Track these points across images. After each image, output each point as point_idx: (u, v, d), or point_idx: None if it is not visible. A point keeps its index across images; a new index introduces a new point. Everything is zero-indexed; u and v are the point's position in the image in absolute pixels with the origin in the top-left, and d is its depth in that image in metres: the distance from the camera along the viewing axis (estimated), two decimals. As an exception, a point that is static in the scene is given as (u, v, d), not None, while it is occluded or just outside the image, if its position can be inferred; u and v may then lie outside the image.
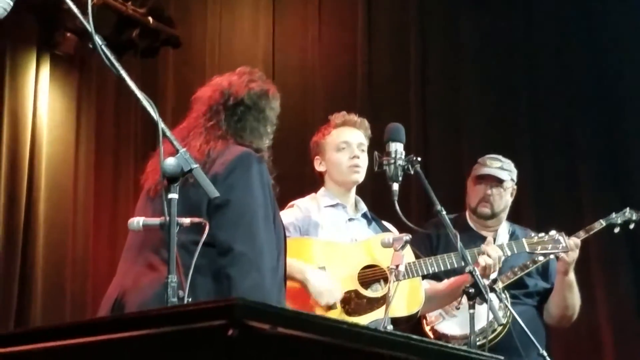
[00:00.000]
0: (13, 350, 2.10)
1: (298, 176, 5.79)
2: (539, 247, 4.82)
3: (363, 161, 4.66)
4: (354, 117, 4.78)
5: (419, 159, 4.16)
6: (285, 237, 3.71)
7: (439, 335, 4.93)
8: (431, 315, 4.99)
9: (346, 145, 4.67)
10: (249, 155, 3.57)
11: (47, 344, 2.03)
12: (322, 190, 4.75)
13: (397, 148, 4.13)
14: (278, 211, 3.68)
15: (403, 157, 4.12)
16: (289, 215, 4.56)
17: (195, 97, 3.86)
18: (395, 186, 4.10)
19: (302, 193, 4.81)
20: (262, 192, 3.52)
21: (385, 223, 4.75)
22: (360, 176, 4.67)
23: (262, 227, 3.47)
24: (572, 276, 4.97)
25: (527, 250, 4.81)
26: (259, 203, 3.49)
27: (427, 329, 4.99)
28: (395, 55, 7.54)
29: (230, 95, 3.75)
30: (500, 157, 5.24)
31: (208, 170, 3.45)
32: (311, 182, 4.89)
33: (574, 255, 4.88)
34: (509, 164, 5.23)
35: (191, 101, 3.87)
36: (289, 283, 4.07)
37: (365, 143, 4.71)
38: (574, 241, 4.88)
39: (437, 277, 4.82)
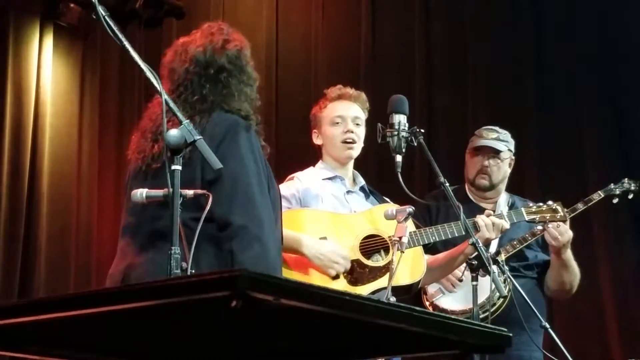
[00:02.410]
0: (17, 321, 2.10)
1: (302, 148, 5.80)
2: (538, 216, 4.83)
3: (358, 135, 4.65)
4: (350, 91, 4.77)
5: (422, 130, 4.16)
6: (280, 201, 3.67)
7: (438, 310, 4.92)
8: (431, 290, 5.00)
9: (340, 119, 4.66)
10: (235, 122, 3.49)
11: (50, 315, 2.04)
12: (320, 163, 4.76)
13: (400, 120, 4.13)
14: (272, 176, 3.60)
15: (406, 128, 4.12)
16: (290, 187, 4.57)
17: (167, 64, 3.70)
18: (399, 158, 4.10)
19: (306, 165, 4.82)
20: (254, 160, 3.45)
21: (383, 196, 4.77)
22: (355, 152, 4.67)
23: (258, 196, 3.40)
24: (567, 255, 4.95)
25: (526, 219, 4.81)
26: (251, 172, 3.42)
27: (427, 303, 5.00)
28: (399, 27, 7.52)
29: (208, 63, 3.61)
30: (497, 128, 5.24)
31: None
32: (315, 153, 4.89)
33: (563, 239, 4.86)
34: (505, 135, 5.22)
35: (161, 67, 3.69)
36: (288, 255, 4.09)
37: (362, 116, 4.70)
38: (563, 227, 4.87)
39: (435, 249, 4.82)
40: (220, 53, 3.64)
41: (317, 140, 4.76)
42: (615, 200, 5.19)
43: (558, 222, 4.83)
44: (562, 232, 4.84)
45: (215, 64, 3.62)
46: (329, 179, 4.68)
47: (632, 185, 5.18)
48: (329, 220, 4.50)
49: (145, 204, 3.20)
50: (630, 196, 5.20)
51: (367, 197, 4.74)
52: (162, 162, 3.35)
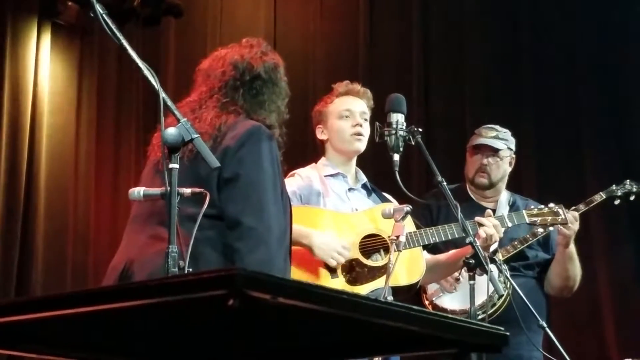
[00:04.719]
0: (14, 319, 2.10)
1: (300, 145, 5.79)
2: (539, 219, 4.83)
3: (365, 130, 4.66)
4: (357, 87, 4.78)
5: (420, 129, 4.16)
6: (291, 211, 3.70)
7: (438, 310, 4.92)
8: (430, 289, 5.00)
9: (349, 113, 4.67)
10: (259, 129, 3.54)
11: (47, 314, 2.03)
12: (323, 159, 4.76)
13: (398, 119, 4.13)
14: (285, 187, 3.66)
15: (404, 127, 4.12)
16: (291, 184, 4.55)
17: (203, 71, 3.79)
18: (396, 157, 4.10)
19: (303, 162, 4.81)
20: (272, 167, 3.50)
21: (384, 194, 4.76)
22: (362, 144, 4.67)
23: (271, 202, 3.45)
24: (572, 248, 4.99)
25: (527, 221, 4.82)
26: (268, 177, 3.47)
27: (426, 302, 5.00)
28: (397, 24, 7.53)
29: (246, 70, 3.69)
30: (496, 126, 5.24)
31: (219, 144, 3.45)
32: (312, 151, 4.89)
33: (574, 228, 4.89)
34: (505, 133, 5.22)
35: (196, 73, 3.81)
36: (295, 248, 4.08)
37: (368, 113, 4.71)
38: (573, 215, 4.89)
39: (436, 249, 4.82)
40: (258, 62, 3.73)
41: (321, 136, 4.75)
42: (616, 202, 5.20)
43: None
44: (572, 220, 4.85)
45: (252, 71, 3.70)
46: (331, 175, 4.68)
47: (634, 186, 5.18)
48: (329, 218, 4.50)
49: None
50: (632, 198, 5.21)
51: (369, 194, 4.74)
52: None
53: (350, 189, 4.69)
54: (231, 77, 3.68)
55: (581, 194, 5.22)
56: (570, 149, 6.85)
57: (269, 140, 3.54)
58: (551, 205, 4.87)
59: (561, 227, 4.86)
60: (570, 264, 5.03)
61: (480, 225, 4.60)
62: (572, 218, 4.87)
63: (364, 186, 4.76)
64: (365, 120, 4.68)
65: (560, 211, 4.84)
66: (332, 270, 4.40)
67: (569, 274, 5.06)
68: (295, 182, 4.62)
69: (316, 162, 4.78)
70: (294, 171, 4.70)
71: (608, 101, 6.81)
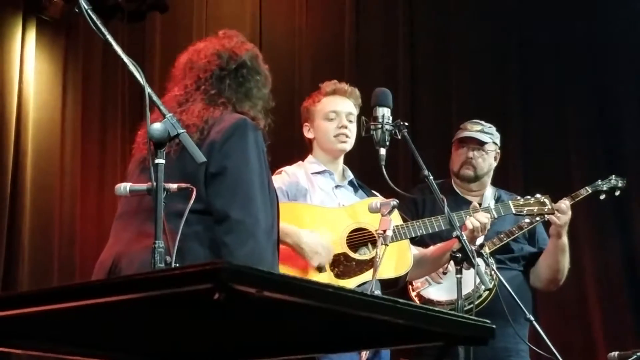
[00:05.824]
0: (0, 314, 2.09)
1: (285, 142, 5.79)
2: (525, 209, 4.84)
3: (351, 131, 4.66)
4: (345, 86, 4.78)
5: (406, 123, 4.16)
6: (278, 203, 3.70)
7: (424, 301, 4.93)
8: (417, 281, 5.00)
9: (335, 115, 4.67)
10: (244, 122, 3.54)
11: (33, 309, 2.03)
12: (310, 157, 4.76)
13: (384, 113, 4.13)
14: (271, 178, 3.67)
15: (390, 122, 4.12)
16: (278, 181, 4.55)
17: (183, 64, 3.76)
18: (383, 151, 4.10)
19: (289, 158, 4.82)
20: (258, 160, 3.50)
21: (372, 190, 4.77)
22: (348, 146, 4.68)
23: (259, 195, 3.45)
24: (565, 239, 4.99)
25: (514, 212, 4.83)
26: (255, 170, 3.47)
27: (413, 294, 5.01)
28: (383, 20, 7.52)
29: (230, 58, 3.69)
30: (481, 121, 5.26)
31: (206, 137, 3.45)
32: (299, 148, 4.89)
33: (566, 218, 4.90)
34: (490, 128, 5.24)
35: (175, 68, 3.78)
36: (282, 246, 4.09)
37: (355, 112, 4.71)
38: (565, 204, 4.90)
39: (423, 242, 4.83)
40: (241, 50, 3.74)
41: (308, 134, 4.75)
42: (602, 197, 5.21)
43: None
44: (564, 210, 4.87)
45: (237, 59, 3.71)
46: (318, 173, 4.68)
47: (620, 182, 5.21)
48: (316, 214, 4.51)
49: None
50: (617, 193, 5.23)
51: (355, 191, 4.75)
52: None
53: (337, 186, 4.69)
54: (217, 67, 3.67)
55: (567, 190, 5.22)
56: (556, 145, 6.85)
57: (254, 132, 3.53)
58: (537, 195, 4.88)
59: (552, 217, 4.88)
60: (561, 255, 5.03)
61: (469, 216, 4.61)
62: (564, 208, 4.89)
63: (351, 183, 4.77)
64: (351, 121, 4.68)
65: (547, 201, 4.86)
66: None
67: (559, 266, 5.07)
68: (282, 179, 4.62)
69: (303, 160, 4.78)
70: (281, 168, 4.71)
71: (594, 98, 6.82)
